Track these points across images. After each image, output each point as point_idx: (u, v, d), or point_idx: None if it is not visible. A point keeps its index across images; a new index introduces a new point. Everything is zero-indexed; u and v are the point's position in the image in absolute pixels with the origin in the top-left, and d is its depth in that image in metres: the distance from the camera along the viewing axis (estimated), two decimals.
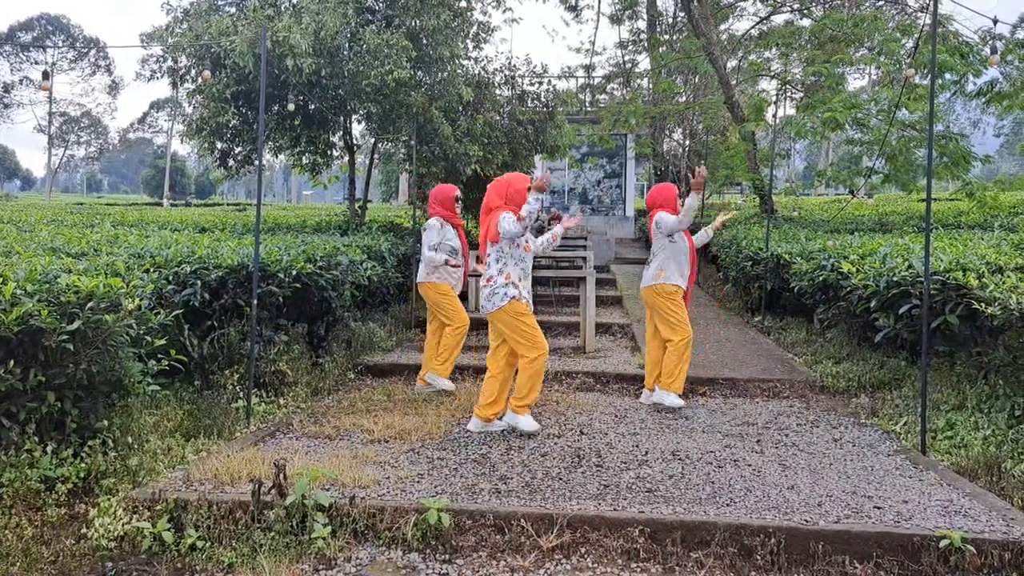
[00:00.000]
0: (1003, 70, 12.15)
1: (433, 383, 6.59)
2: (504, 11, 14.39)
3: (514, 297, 5.36)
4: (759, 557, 3.67)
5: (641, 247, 18.91)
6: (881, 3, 16.10)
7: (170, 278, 5.77)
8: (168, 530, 3.78)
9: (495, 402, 5.48)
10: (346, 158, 12.05)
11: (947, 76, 11.68)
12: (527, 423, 5.39)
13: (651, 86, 22.12)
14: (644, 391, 6.52)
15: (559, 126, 13.01)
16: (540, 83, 13.03)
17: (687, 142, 22.58)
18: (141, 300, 4.60)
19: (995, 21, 5.39)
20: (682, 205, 6.19)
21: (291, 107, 9.49)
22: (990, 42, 11.02)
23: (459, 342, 6.65)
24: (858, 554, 3.64)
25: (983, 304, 5.16)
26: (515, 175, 5.61)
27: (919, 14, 14.42)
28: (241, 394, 5.70)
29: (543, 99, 12.83)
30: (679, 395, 6.17)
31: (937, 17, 5.62)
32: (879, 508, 4.02)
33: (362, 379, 7.16)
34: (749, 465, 4.77)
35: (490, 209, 5.57)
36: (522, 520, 3.84)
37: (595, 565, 3.65)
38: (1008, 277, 5.45)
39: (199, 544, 3.75)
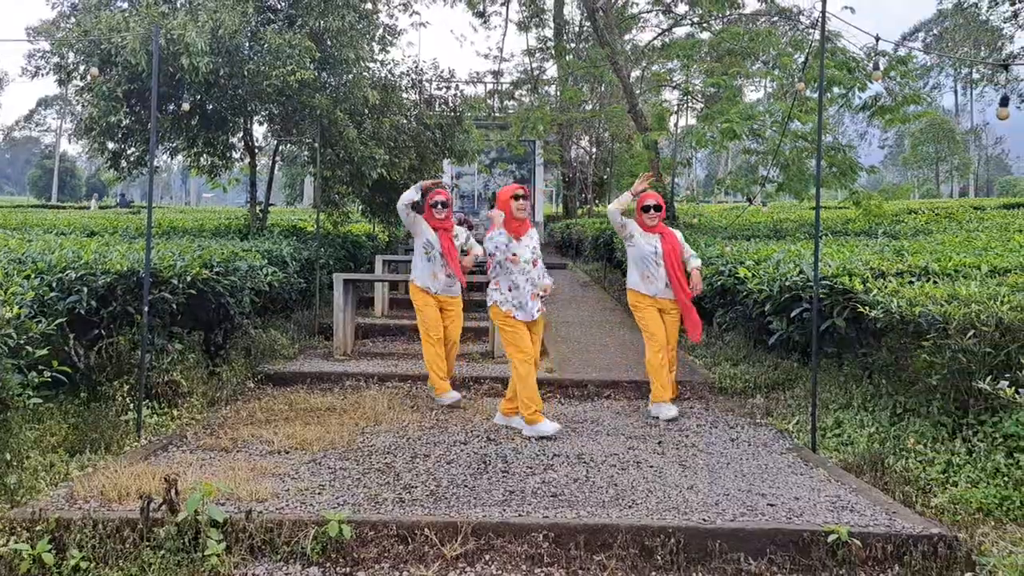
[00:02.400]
0: (886, 85, 12.81)
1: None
2: (411, 14, 14.26)
3: (496, 302, 5.82)
4: (659, 557, 3.74)
5: (551, 252, 19.09)
6: (775, 19, 16.78)
7: (53, 284, 5.46)
8: (49, 551, 3.56)
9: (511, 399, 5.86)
10: (247, 160, 11.70)
11: (835, 90, 12.22)
12: (545, 427, 5.59)
13: (558, 93, 22.40)
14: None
15: (467, 131, 13.00)
16: (448, 87, 13.01)
17: (594, 149, 22.98)
18: (20, 308, 4.35)
19: (877, 39, 5.70)
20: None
21: (186, 107, 9.14)
22: (874, 58, 11.63)
23: (428, 352, 6.57)
24: (753, 551, 3.76)
25: (867, 308, 5.42)
26: (504, 188, 5.90)
27: (810, 30, 15.10)
28: (131, 406, 5.45)
29: (451, 104, 12.80)
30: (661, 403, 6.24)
31: (826, 33, 5.89)
32: (772, 505, 4.17)
33: (262, 388, 6.95)
34: (651, 466, 4.86)
35: None
36: (426, 529, 3.80)
37: (499, 572, 3.64)
38: (890, 282, 5.76)
39: (83, 565, 3.55)
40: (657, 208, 6.33)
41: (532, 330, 5.86)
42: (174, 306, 5.95)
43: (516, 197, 5.77)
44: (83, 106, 10.51)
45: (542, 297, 5.86)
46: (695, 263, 6.38)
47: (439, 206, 6.73)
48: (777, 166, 12.65)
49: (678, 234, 6.49)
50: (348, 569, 3.63)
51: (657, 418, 6.08)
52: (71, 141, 11.11)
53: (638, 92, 17.11)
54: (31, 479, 4.25)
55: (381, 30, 11.61)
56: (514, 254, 5.71)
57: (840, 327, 5.89)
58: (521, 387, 5.63)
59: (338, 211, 12.70)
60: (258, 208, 11.72)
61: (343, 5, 9.74)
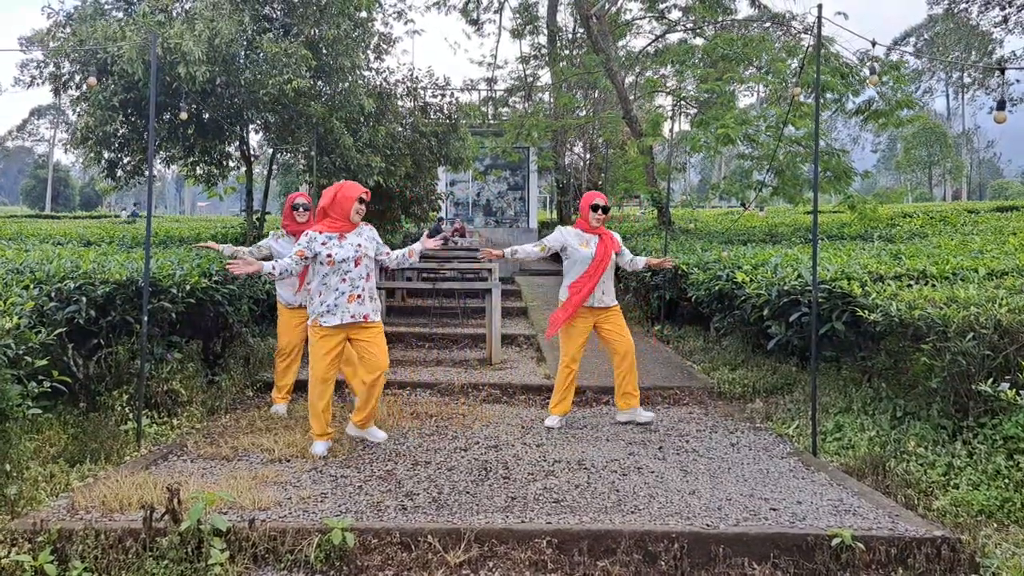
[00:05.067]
0: (879, 90, 12.88)
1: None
2: (406, 23, 14.36)
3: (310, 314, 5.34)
4: (663, 563, 3.74)
5: (546, 259, 19.11)
6: (768, 24, 16.85)
7: (52, 294, 5.45)
8: (51, 562, 3.54)
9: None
10: (243, 168, 11.70)
11: (829, 95, 12.29)
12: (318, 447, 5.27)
13: (552, 100, 22.45)
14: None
15: (462, 138, 13.03)
16: (443, 95, 13.04)
17: (588, 156, 23.03)
18: (20, 318, 4.33)
19: (873, 43, 5.72)
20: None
21: (183, 116, 9.14)
22: (868, 64, 11.70)
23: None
24: (756, 555, 3.76)
25: (866, 311, 5.44)
26: (345, 184, 5.32)
27: (803, 35, 15.17)
28: (131, 415, 5.43)
29: (446, 111, 12.84)
30: (554, 415, 6.14)
31: (820, 39, 5.92)
32: (775, 510, 4.17)
33: (261, 396, 6.94)
34: (652, 472, 4.87)
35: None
36: (429, 536, 3.80)
37: None
38: (888, 285, 5.77)
39: (85, 575, 3.54)
40: (605, 210, 5.99)
41: (360, 339, 5.26)
42: (173, 315, 5.94)
43: (361, 200, 5.25)
44: (79, 115, 10.48)
45: (359, 296, 5.21)
46: (642, 261, 6.18)
47: (300, 209, 6.25)
48: (772, 171, 12.70)
49: (616, 236, 6.17)
50: None
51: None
52: (66, 151, 11.09)
53: (632, 98, 17.17)
54: (31, 490, 4.23)
55: (376, 38, 11.65)
56: (329, 255, 5.14)
57: (839, 331, 5.90)
58: (310, 407, 5.30)
59: None
60: (254, 216, 11.71)
61: (338, 14, 9.76)
